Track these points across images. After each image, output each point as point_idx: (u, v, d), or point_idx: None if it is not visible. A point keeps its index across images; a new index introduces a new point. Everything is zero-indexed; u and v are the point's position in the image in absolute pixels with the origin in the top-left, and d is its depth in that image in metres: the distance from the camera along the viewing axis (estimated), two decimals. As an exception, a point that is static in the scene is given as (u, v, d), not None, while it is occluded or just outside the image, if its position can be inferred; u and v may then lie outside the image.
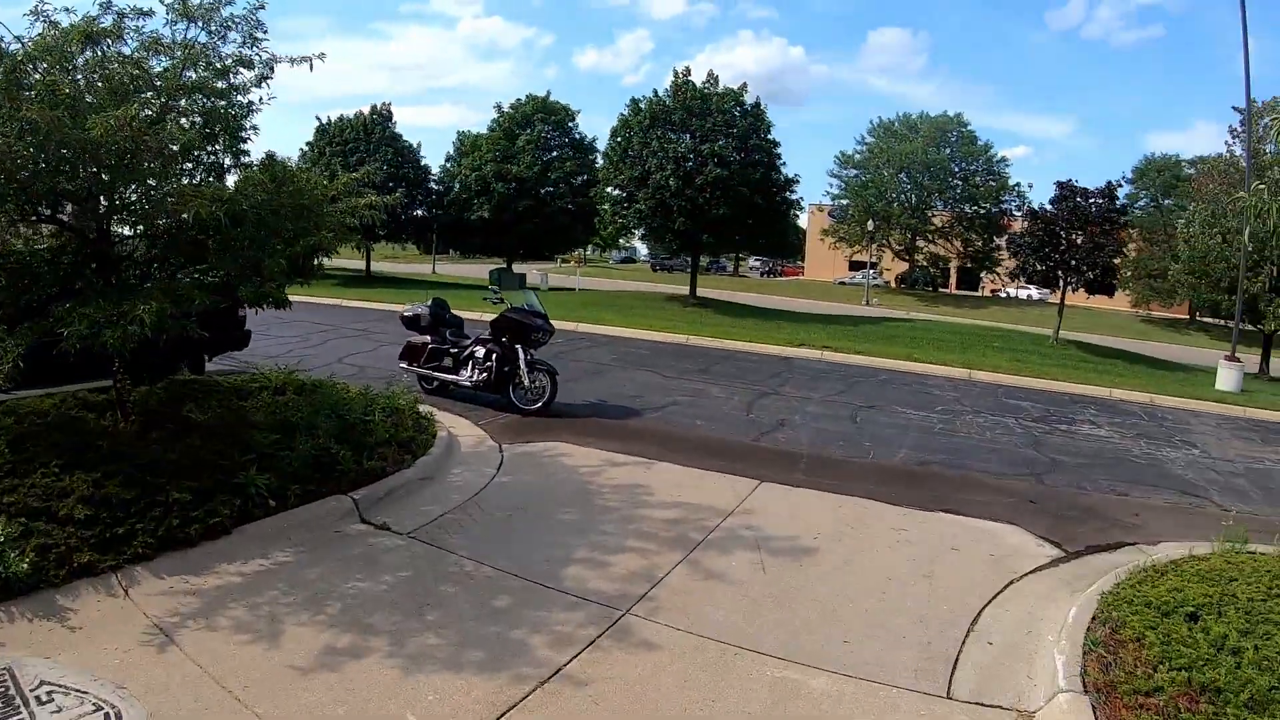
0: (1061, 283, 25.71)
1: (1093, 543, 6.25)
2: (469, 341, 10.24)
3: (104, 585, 4.41)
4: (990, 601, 5.00)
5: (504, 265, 43.77)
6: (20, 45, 5.21)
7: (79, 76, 5.41)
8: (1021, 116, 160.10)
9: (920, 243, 57.06)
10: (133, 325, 4.95)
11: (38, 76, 5.10)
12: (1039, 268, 25.75)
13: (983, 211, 53.01)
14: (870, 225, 52.08)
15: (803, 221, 53.29)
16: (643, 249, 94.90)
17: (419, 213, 40.80)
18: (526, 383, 9.62)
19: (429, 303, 10.87)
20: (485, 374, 9.81)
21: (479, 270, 44.16)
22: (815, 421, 10.34)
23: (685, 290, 30.26)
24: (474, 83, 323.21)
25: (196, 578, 4.65)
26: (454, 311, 11.33)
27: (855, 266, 62.26)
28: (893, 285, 59.30)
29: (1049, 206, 25.92)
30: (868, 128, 57.79)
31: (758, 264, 79.68)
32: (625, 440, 8.56)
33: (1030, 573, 5.54)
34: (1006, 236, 31.31)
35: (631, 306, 25.71)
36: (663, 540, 5.73)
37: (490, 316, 10.06)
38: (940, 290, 58.08)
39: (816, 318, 28.18)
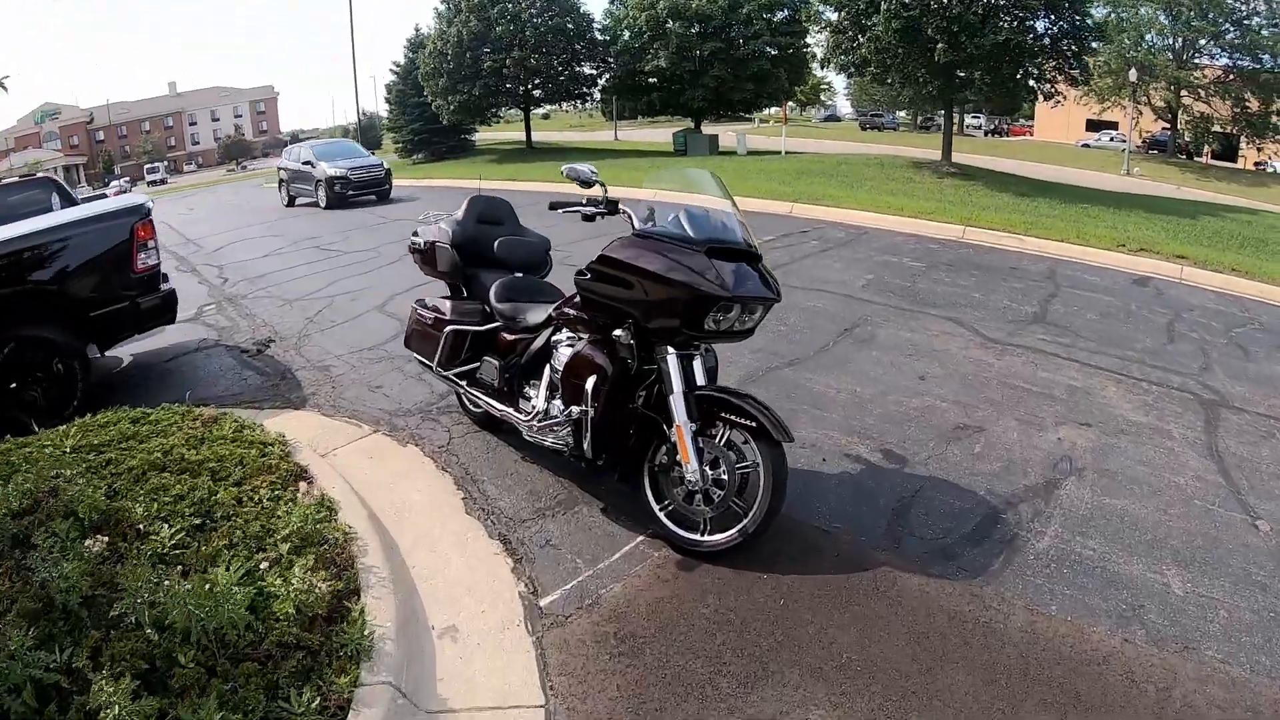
0: None
1: None
2: (542, 317, 3.82)
3: None
4: None
5: (691, 127, 36.30)
6: None
7: None
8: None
9: (1187, 100, 43.68)
10: None
11: None
12: None
13: (1265, 66, 39.12)
14: (1133, 75, 39.65)
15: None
16: (845, 105, 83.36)
17: (586, 69, 33.84)
18: (691, 470, 3.17)
19: (460, 214, 4.49)
20: (569, 428, 3.49)
21: (667, 135, 36.90)
22: None
23: (932, 154, 21.87)
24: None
25: None
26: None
27: (1092, 127, 50.65)
28: (1142, 150, 46.73)
29: None
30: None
31: (979, 122, 67.09)
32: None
33: None
34: None
35: (864, 177, 18.02)
36: None
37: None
38: (1195, 159, 45.18)
39: (1105, 197, 19.11)
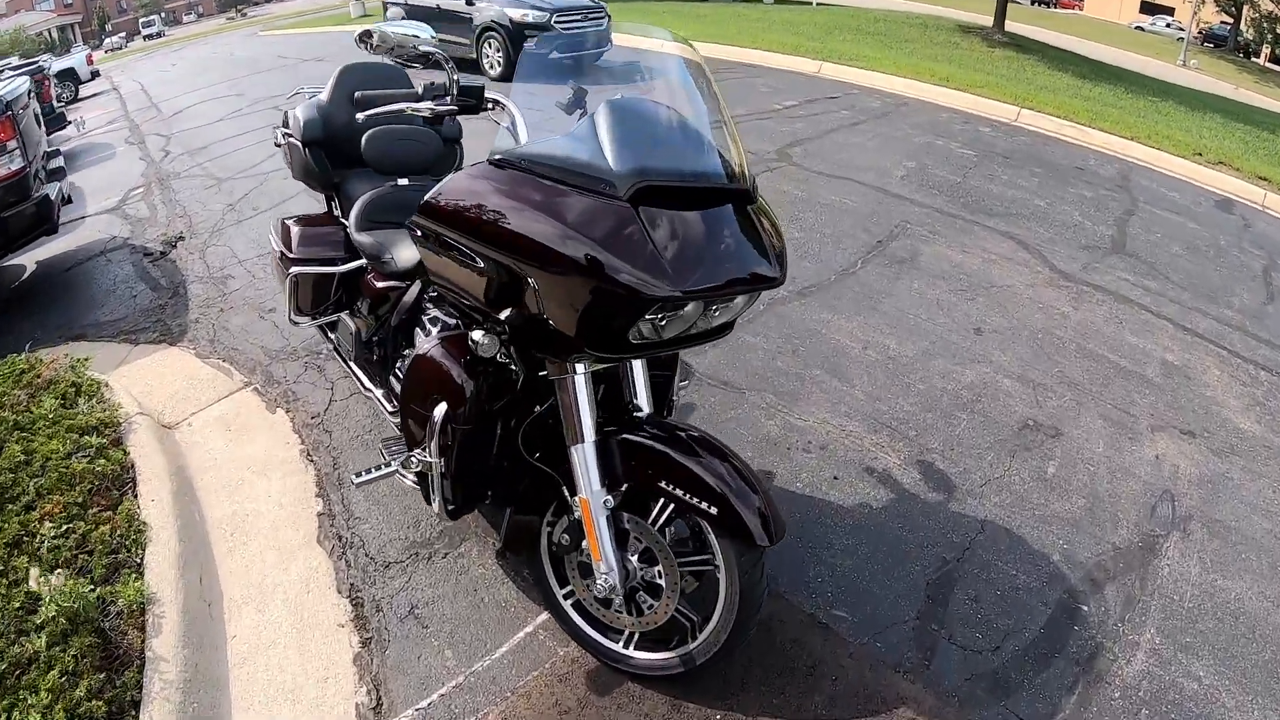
0: None
1: None
2: (417, 256, 2.06)
3: None
4: None
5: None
6: None
7: None
8: None
9: None
10: None
11: None
12: None
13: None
14: None
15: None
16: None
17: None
18: (603, 571, 1.75)
19: (325, 93, 2.92)
20: (411, 477, 2.01)
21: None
22: None
23: (979, 18, 18.94)
24: None
25: None
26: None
27: (1146, 9, 46.67)
28: (1197, 42, 42.90)
29: None
30: None
31: (1025, -10, 61.20)
32: None
33: None
34: None
35: (904, 38, 15.36)
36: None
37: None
38: (1252, 59, 41.17)
39: (1172, 91, 16.47)
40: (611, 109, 1.51)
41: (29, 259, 5.50)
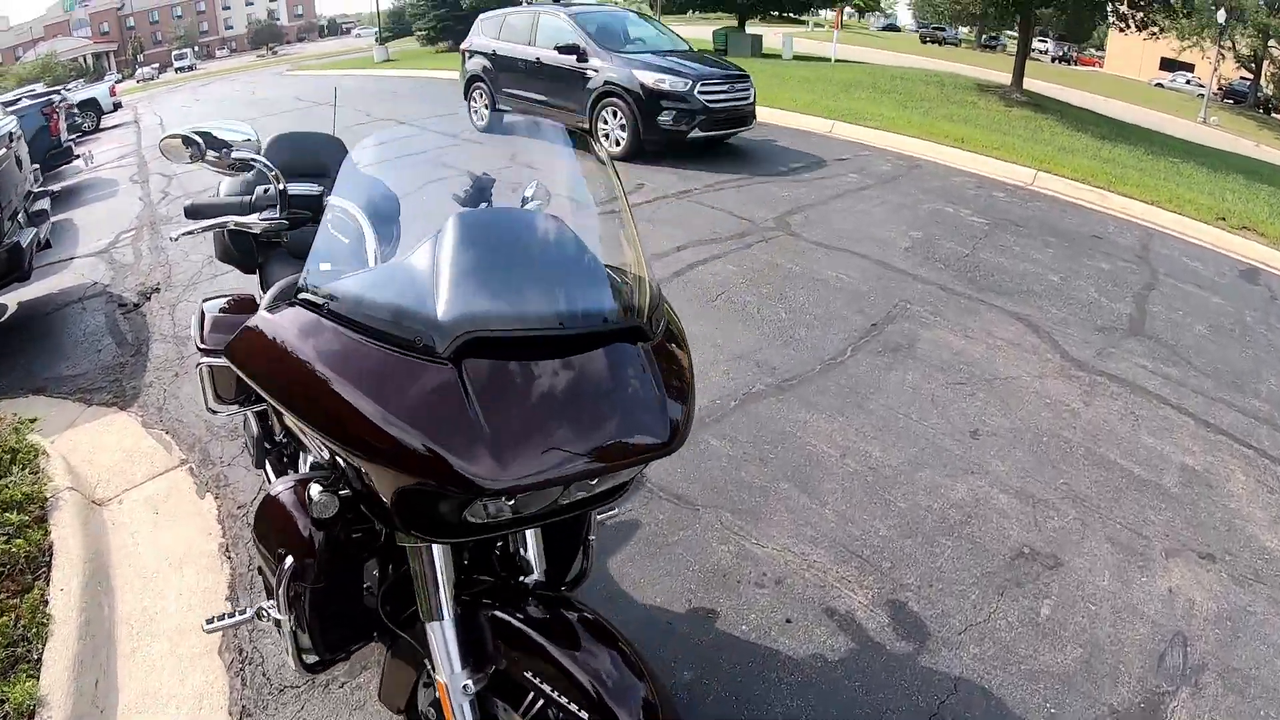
0: None
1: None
2: None
3: None
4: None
5: (734, 25, 32.67)
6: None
7: None
8: None
9: (1275, 50, 39.14)
10: None
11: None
12: None
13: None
14: (1221, 16, 34.89)
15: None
16: (906, 15, 77.40)
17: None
18: None
19: None
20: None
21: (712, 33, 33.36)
22: None
23: (997, 76, 18.66)
24: None
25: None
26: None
27: (1165, 65, 46.26)
28: (1217, 98, 42.77)
29: None
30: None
31: (1046, 47, 61.44)
32: None
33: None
34: None
35: (921, 96, 15.15)
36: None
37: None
38: (1273, 115, 41.10)
39: (1194, 150, 16.08)
40: (459, 225, 1.20)
41: (11, 299, 5.45)
